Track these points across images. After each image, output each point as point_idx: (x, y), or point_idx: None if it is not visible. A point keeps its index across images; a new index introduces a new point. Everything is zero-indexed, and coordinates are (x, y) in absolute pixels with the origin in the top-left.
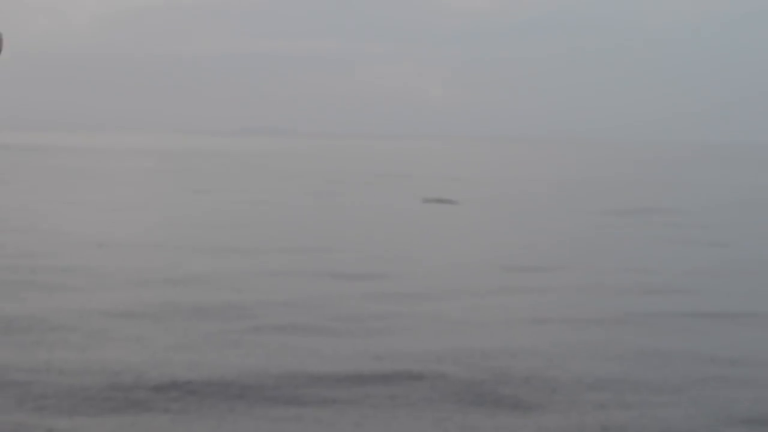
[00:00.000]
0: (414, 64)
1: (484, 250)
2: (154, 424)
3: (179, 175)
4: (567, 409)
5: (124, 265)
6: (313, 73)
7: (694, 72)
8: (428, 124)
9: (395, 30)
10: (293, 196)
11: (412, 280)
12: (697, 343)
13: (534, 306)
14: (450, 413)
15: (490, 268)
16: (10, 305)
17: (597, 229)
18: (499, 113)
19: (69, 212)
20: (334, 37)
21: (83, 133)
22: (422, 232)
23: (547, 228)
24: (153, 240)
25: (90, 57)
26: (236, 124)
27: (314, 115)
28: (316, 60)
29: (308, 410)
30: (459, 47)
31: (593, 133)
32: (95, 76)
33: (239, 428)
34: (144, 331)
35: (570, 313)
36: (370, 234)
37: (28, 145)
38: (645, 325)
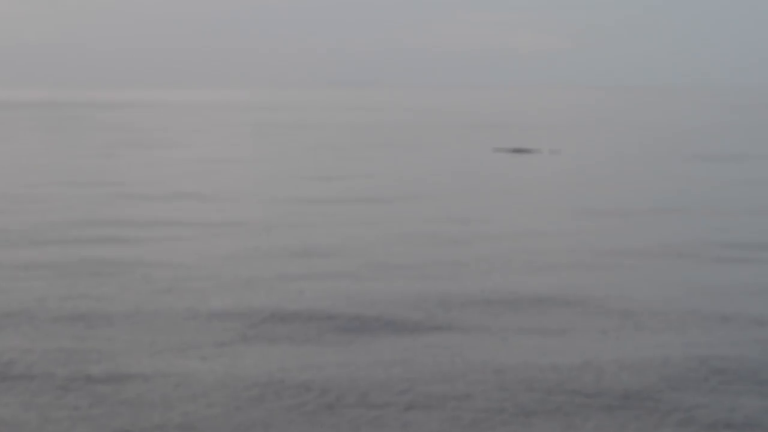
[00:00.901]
0: (507, 13)
1: (555, 198)
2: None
3: (273, 129)
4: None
5: (205, 216)
6: (398, 22)
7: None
8: (522, 74)
9: None
10: (370, 148)
11: (471, 227)
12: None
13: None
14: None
15: (557, 214)
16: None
17: (673, 177)
18: (595, 61)
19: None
20: None
21: (175, 89)
22: (493, 183)
23: (628, 179)
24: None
25: (175, 14)
26: (322, 78)
27: (406, 67)
28: (407, 11)
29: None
30: None
31: (690, 79)
32: (184, 33)
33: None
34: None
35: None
36: (435, 185)
37: (141, 102)
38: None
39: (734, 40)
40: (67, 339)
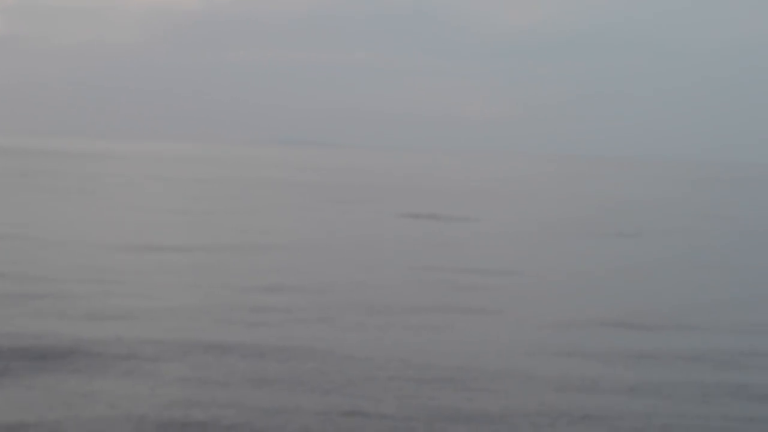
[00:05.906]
0: (456, 79)
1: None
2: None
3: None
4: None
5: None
6: (354, 85)
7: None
8: (467, 139)
9: (438, 44)
10: (291, 207)
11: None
12: None
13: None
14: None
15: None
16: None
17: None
18: (540, 130)
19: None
20: (377, 50)
21: (126, 142)
22: (383, 248)
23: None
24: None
25: (131, 68)
26: (273, 135)
27: (352, 128)
28: (358, 72)
29: None
30: (502, 63)
31: (642, 150)
32: (136, 87)
33: None
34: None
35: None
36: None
37: (90, 153)
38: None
39: (686, 114)
40: None
